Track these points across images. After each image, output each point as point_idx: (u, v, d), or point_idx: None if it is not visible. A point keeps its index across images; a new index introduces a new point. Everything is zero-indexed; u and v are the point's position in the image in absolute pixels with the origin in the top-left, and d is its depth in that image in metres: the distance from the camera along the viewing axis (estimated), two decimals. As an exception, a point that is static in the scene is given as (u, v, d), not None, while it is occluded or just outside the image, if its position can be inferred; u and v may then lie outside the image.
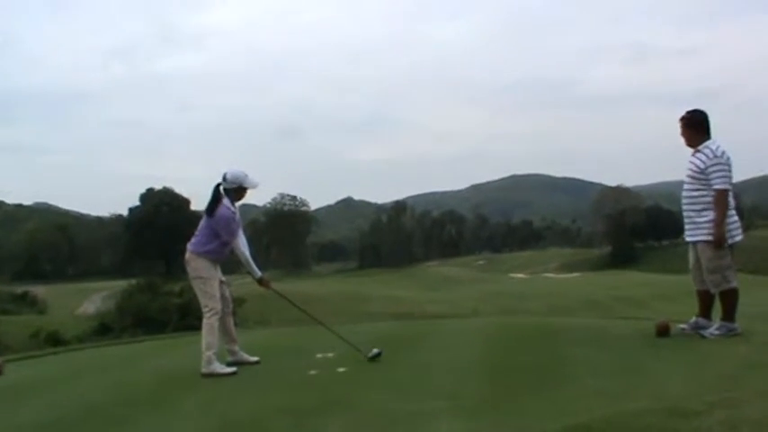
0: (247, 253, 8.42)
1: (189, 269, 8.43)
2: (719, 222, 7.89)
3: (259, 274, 8.50)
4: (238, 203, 8.51)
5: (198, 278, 8.34)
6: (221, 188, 8.33)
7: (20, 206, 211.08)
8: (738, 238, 8.09)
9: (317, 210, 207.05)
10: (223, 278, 8.55)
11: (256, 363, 8.53)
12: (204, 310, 8.26)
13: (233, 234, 8.29)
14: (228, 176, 8.30)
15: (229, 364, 8.25)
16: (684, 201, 8.25)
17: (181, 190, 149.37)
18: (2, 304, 69.03)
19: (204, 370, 7.96)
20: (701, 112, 8.30)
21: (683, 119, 8.29)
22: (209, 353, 8.01)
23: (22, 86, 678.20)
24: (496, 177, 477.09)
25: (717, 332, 7.99)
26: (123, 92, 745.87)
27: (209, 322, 8.16)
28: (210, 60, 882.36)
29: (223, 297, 8.44)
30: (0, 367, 9.28)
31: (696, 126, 8.21)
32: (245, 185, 8.38)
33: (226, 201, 8.31)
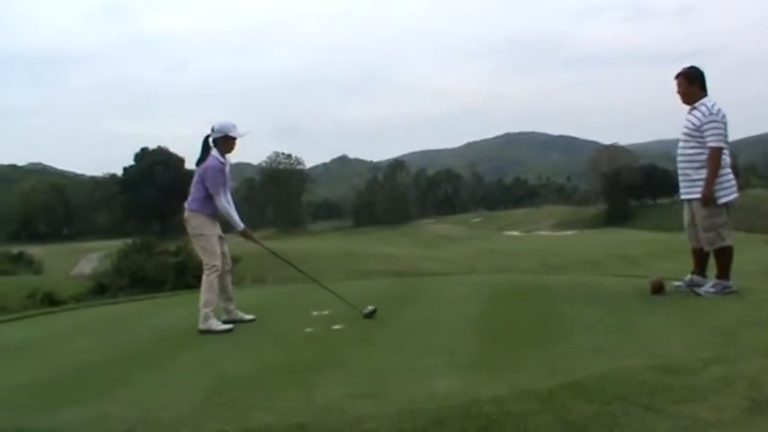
0: (228, 206, 8.38)
1: (189, 227, 8.41)
2: (710, 180, 7.88)
3: (241, 225, 8.45)
4: (229, 156, 8.49)
5: (198, 235, 8.34)
6: (210, 139, 8.32)
7: (14, 167, 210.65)
8: (734, 197, 8.07)
9: (312, 168, 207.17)
10: (222, 235, 8.55)
11: (252, 321, 8.56)
12: (205, 267, 8.26)
13: (218, 184, 8.25)
14: (216, 126, 8.30)
15: (225, 323, 8.27)
16: (680, 158, 8.23)
17: (175, 149, 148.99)
18: (-3, 265, 69.03)
19: (201, 326, 7.98)
20: (697, 69, 8.25)
21: (678, 76, 8.25)
22: (207, 310, 8.02)
23: (8, 48, 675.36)
24: (491, 135, 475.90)
25: (712, 290, 8.01)
26: (113, 52, 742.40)
27: (209, 279, 8.17)
28: (200, 20, 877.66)
29: (222, 254, 8.44)
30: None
31: (692, 83, 8.16)
32: (231, 134, 8.35)
33: (215, 152, 8.31)
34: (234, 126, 8.39)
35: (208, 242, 8.33)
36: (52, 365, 6.91)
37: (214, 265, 8.25)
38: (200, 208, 8.34)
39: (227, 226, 8.64)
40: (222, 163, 8.31)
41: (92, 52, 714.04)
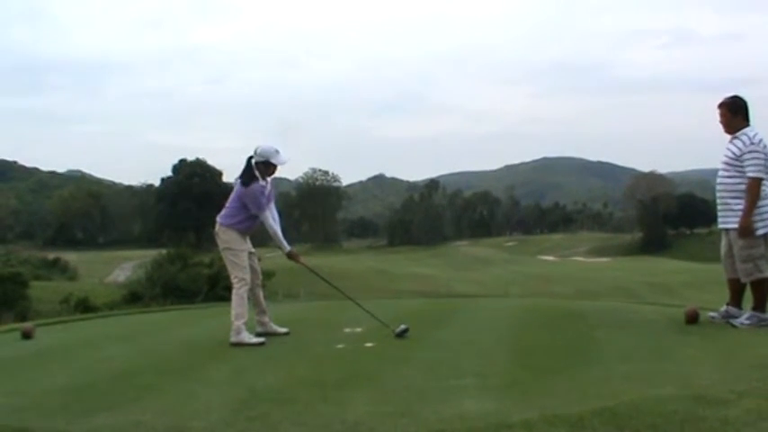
0: (276, 227, 8.48)
1: (219, 241, 8.51)
2: (748, 211, 7.82)
3: (288, 248, 8.53)
4: (270, 178, 8.55)
5: (227, 249, 8.42)
6: (253, 161, 8.38)
7: (53, 174, 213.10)
8: (773, 228, 8.01)
9: (348, 185, 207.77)
10: (252, 250, 8.63)
11: (286, 334, 8.62)
12: (234, 280, 8.35)
13: (261, 207, 8.33)
14: (259, 150, 8.37)
15: (258, 335, 8.33)
16: (719, 187, 8.18)
17: (213, 162, 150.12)
18: (34, 270, 69.84)
19: (233, 339, 8.04)
20: (740, 99, 8.20)
21: (721, 105, 8.20)
22: (239, 323, 8.08)
23: (54, 56, 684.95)
24: (529, 159, 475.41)
25: (747, 321, 7.94)
26: (155, 63, 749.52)
27: (239, 293, 8.24)
28: (243, 34, 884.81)
29: (252, 269, 8.52)
30: (30, 331, 9.39)
31: (736, 114, 8.11)
32: (273, 161, 8.42)
33: (256, 174, 8.36)
34: (277, 152, 8.44)
35: (237, 256, 8.41)
36: (86, 371, 6.98)
37: (243, 279, 8.33)
38: (231, 223, 8.44)
39: (266, 239, 8.70)
40: (263, 186, 8.38)
41: (134, 63, 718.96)
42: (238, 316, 8.13)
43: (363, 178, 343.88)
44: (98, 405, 5.43)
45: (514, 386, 5.58)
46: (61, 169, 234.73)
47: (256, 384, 6.05)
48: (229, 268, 8.51)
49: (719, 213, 8.23)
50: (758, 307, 7.99)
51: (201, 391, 5.88)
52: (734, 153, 7.94)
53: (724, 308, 8.42)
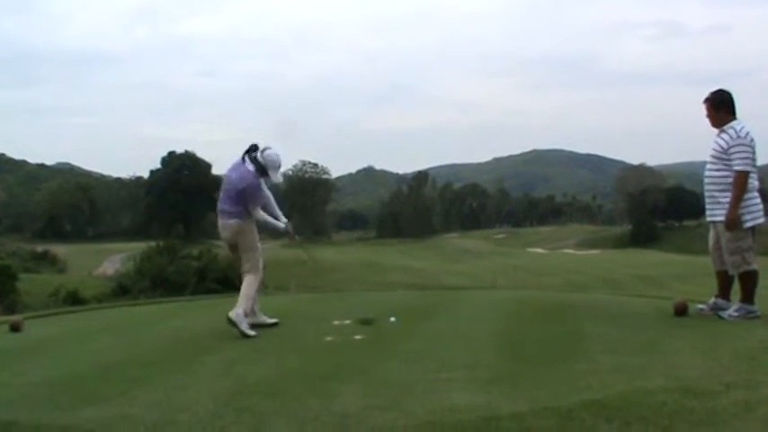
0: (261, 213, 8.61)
1: None
2: (734, 204, 7.84)
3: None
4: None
5: None
6: (256, 156, 8.43)
7: (42, 166, 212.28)
8: (761, 221, 8.02)
9: (337, 178, 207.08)
10: (232, 241, 8.71)
11: (275, 324, 8.61)
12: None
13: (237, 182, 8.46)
14: (266, 153, 8.43)
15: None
16: (707, 180, 8.20)
17: (202, 154, 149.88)
18: (22, 262, 69.54)
19: (232, 315, 8.02)
20: (725, 92, 8.21)
21: (707, 99, 8.21)
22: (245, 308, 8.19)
23: (43, 47, 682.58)
24: (518, 151, 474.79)
25: (735, 313, 7.96)
26: (146, 54, 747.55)
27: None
28: (234, 26, 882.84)
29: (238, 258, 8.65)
30: (19, 324, 9.36)
31: (721, 106, 8.12)
32: (269, 173, 8.50)
33: (250, 166, 8.37)
34: (277, 168, 8.56)
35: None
36: (74, 364, 6.95)
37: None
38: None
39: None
40: (251, 172, 8.41)
41: (124, 54, 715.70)
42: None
43: (353, 170, 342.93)
44: (86, 398, 5.40)
45: (503, 378, 5.57)
46: (50, 162, 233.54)
47: (245, 377, 6.05)
48: None
49: (707, 206, 8.24)
50: (746, 299, 8.01)
51: (190, 383, 5.86)
52: (721, 146, 7.96)
53: (712, 300, 8.43)
